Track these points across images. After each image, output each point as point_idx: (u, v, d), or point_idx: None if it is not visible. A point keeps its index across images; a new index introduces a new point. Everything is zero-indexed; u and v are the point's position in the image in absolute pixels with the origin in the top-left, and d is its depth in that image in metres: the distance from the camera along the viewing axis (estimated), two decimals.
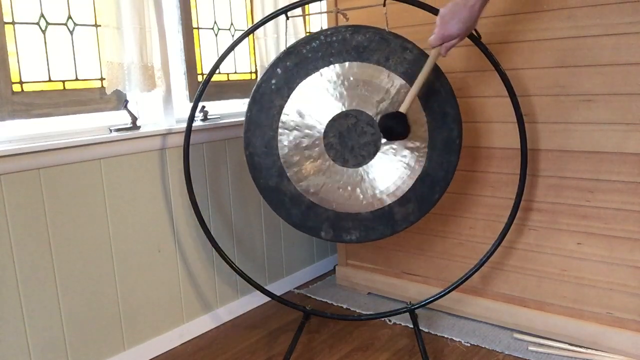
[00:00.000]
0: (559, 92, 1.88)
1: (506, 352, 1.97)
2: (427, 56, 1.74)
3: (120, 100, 1.98)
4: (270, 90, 1.79)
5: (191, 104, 1.94)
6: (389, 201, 1.81)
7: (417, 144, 1.78)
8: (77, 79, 1.88)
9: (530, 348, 1.98)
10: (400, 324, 2.23)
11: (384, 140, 1.77)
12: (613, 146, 1.80)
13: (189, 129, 1.91)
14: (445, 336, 2.11)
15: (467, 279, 1.96)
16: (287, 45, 1.81)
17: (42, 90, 1.79)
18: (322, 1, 2.01)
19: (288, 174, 1.83)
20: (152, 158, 2.02)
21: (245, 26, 2.49)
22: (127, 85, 1.91)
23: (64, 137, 1.80)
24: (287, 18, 1.88)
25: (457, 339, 2.08)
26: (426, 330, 2.16)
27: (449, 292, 2.00)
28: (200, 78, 2.30)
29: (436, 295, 2.01)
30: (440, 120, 1.76)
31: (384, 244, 2.45)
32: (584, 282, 1.93)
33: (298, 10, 2.40)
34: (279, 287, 2.57)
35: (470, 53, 2.03)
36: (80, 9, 1.86)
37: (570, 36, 1.82)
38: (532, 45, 1.90)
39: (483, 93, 2.06)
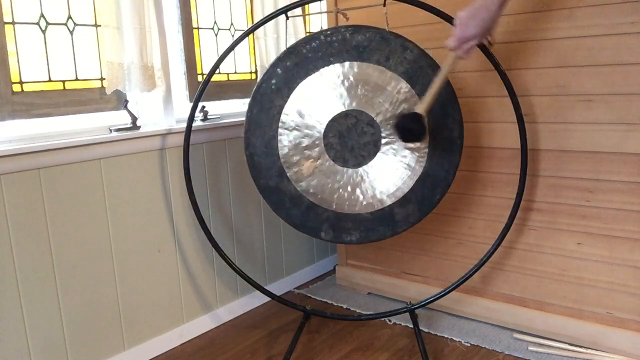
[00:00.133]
0: (559, 92, 1.88)
1: (506, 352, 1.97)
2: (427, 56, 1.74)
3: (120, 100, 1.98)
4: (271, 90, 1.79)
5: (191, 104, 1.94)
6: (389, 202, 1.81)
7: (418, 144, 1.78)
8: (77, 79, 1.88)
9: (530, 348, 1.98)
10: (400, 324, 2.23)
11: (384, 141, 1.77)
12: (613, 146, 1.80)
13: (189, 129, 1.91)
14: (445, 336, 2.11)
15: (467, 279, 1.96)
16: (287, 45, 1.81)
17: (42, 90, 1.79)
18: (322, 1, 2.01)
19: (288, 174, 1.83)
20: (152, 158, 2.02)
21: (245, 26, 2.49)
22: (127, 85, 1.91)
23: (64, 137, 1.80)
24: (287, 18, 1.88)
25: (457, 339, 2.08)
26: (426, 330, 2.16)
27: (449, 292, 2.00)
28: (200, 78, 2.30)
29: (436, 295, 2.01)
30: (440, 121, 1.76)
31: (384, 244, 2.45)
32: (584, 282, 1.93)
33: (298, 10, 2.40)
34: (279, 287, 2.57)
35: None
36: (80, 9, 1.86)
37: (570, 36, 1.82)
38: (532, 45, 1.90)
39: (483, 93, 2.06)
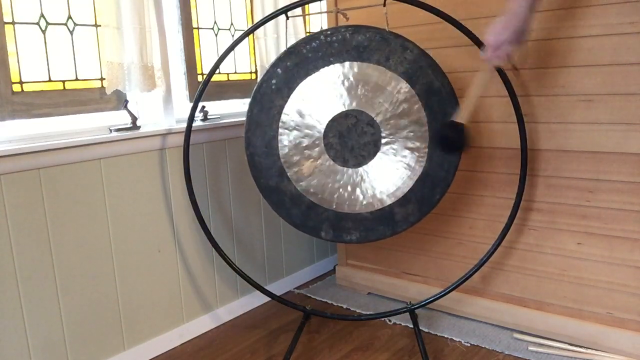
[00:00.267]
0: (559, 92, 1.88)
1: (506, 352, 1.97)
2: (427, 56, 1.74)
3: (120, 100, 1.98)
4: (271, 90, 1.79)
5: (191, 104, 1.94)
6: (389, 202, 1.81)
7: (418, 144, 1.78)
8: (77, 79, 1.88)
9: (530, 348, 1.98)
10: (400, 324, 2.23)
11: (384, 141, 1.77)
12: (613, 146, 1.80)
13: (189, 129, 1.91)
14: (445, 336, 2.11)
15: (467, 279, 1.96)
16: (287, 45, 1.81)
17: (42, 90, 1.79)
18: (322, 1, 2.02)
19: (288, 174, 1.83)
20: (152, 158, 2.02)
21: (245, 26, 2.49)
22: (127, 85, 1.91)
23: (64, 137, 1.80)
24: (287, 18, 1.88)
25: (457, 339, 2.08)
26: (426, 330, 2.16)
27: (449, 292, 2.00)
28: (200, 78, 2.30)
29: (436, 295, 2.01)
30: (440, 120, 1.75)
31: (384, 244, 2.45)
32: (584, 282, 1.93)
33: (298, 10, 2.40)
34: (279, 287, 2.57)
35: (470, 53, 2.03)
36: (80, 9, 1.86)
37: (570, 36, 1.81)
38: (532, 45, 1.90)
39: (483, 93, 2.05)
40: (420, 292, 2.32)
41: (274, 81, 1.78)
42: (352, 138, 1.79)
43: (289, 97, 1.78)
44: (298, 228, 1.88)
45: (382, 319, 2.26)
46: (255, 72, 2.54)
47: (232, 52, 1.93)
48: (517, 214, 1.90)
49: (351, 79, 1.76)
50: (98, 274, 1.89)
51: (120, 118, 1.99)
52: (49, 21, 1.78)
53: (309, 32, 2.74)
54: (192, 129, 1.94)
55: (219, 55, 1.86)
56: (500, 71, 1.76)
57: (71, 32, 1.84)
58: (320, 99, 1.78)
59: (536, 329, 2.04)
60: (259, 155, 1.83)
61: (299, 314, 2.13)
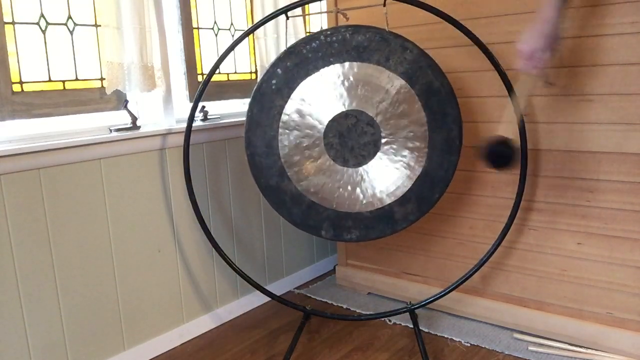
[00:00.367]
0: (559, 92, 1.88)
1: (506, 352, 1.97)
2: (426, 56, 1.74)
3: (120, 100, 1.98)
4: (271, 90, 1.79)
5: (191, 104, 1.94)
6: (388, 201, 1.81)
7: (417, 144, 1.78)
8: (77, 79, 1.88)
9: (530, 348, 1.98)
10: (400, 324, 2.23)
11: (384, 140, 1.77)
12: (613, 146, 1.80)
13: (189, 129, 1.91)
14: (445, 336, 2.11)
15: (467, 279, 1.96)
16: (287, 45, 1.81)
17: (42, 90, 1.79)
18: (322, 1, 2.01)
19: (289, 174, 1.83)
20: (152, 158, 2.02)
21: (245, 26, 2.49)
22: (127, 85, 1.91)
23: (64, 137, 1.80)
24: (287, 18, 1.88)
25: (457, 339, 2.08)
26: (426, 330, 2.16)
27: (449, 292, 2.00)
28: (200, 78, 2.30)
29: (436, 295, 2.01)
30: (440, 120, 1.76)
31: (384, 244, 2.45)
32: (584, 282, 1.93)
33: (298, 10, 2.40)
34: (279, 287, 2.57)
35: (470, 53, 2.03)
36: (80, 9, 1.86)
37: (570, 36, 1.81)
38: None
39: (483, 93, 2.06)
40: (420, 292, 2.32)
41: (274, 81, 1.78)
42: (352, 138, 1.79)
43: (289, 97, 1.78)
44: (298, 227, 1.88)
45: (382, 319, 2.26)
46: (255, 72, 2.54)
47: (232, 52, 1.93)
48: (517, 214, 1.90)
49: (351, 79, 1.76)
50: (98, 274, 1.89)
51: (120, 118, 1.99)
52: (49, 21, 1.78)
53: (309, 32, 2.74)
54: (192, 129, 1.94)
55: (219, 55, 1.86)
56: (501, 71, 1.76)
57: (71, 32, 1.84)
58: (320, 99, 1.78)
59: (536, 329, 2.04)
60: (259, 155, 1.83)
61: (299, 314, 2.13)
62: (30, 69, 1.76)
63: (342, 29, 1.75)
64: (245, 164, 1.87)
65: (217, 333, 2.25)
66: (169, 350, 2.12)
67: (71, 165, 1.78)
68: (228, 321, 2.35)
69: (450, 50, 2.08)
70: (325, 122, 1.79)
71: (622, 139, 1.78)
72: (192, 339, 2.21)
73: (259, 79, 1.82)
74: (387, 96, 1.75)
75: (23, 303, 1.70)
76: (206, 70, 2.31)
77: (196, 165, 2.17)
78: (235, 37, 2.16)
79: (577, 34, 1.80)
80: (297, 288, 2.66)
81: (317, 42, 1.75)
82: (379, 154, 1.79)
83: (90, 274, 1.87)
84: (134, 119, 1.97)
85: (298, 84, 1.78)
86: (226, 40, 2.40)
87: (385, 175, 1.80)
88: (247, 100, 1.83)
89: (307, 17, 2.72)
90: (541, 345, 1.99)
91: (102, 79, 1.94)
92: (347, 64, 1.76)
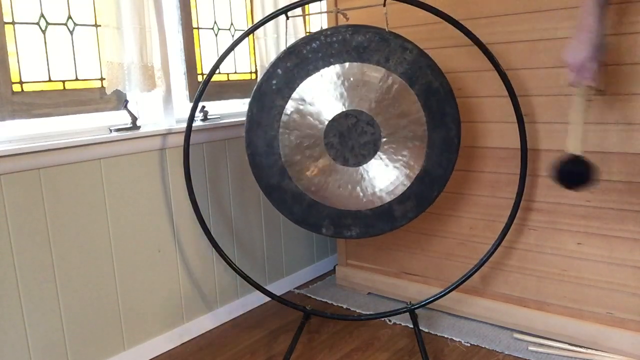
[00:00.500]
0: (559, 92, 1.88)
1: (506, 352, 1.97)
2: (426, 56, 1.74)
3: (120, 100, 1.98)
4: (271, 90, 1.79)
5: (191, 104, 1.94)
6: (388, 199, 1.81)
7: (417, 143, 1.78)
8: (77, 79, 1.88)
9: (530, 348, 1.98)
10: (400, 324, 2.23)
11: (383, 140, 1.77)
12: (613, 146, 1.80)
13: (189, 129, 1.91)
14: (445, 336, 2.11)
15: (467, 279, 1.96)
16: (287, 45, 1.81)
17: (42, 90, 1.79)
18: (322, 1, 2.01)
19: (289, 173, 1.83)
20: (152, 158, 2.02)
21: (245, 26, 2.50)
22: (127, 85, 1.91)
23: (64, 137, 1.80)
24: (287, 18, 1.88)
25: (457, 339, 2.08)
26: (426, 330, 2.16)
27: (449, 292, 2.00)
28: (200, 78, 2.30)
29: (436, 295, 2.01)
30: (439, 120, 1.76)
31: (384, 244, 2.45)
32: (584, 282, 1.93)
33: (298, 10, 2.40)
34: (279, 287, 2.57)
35: (470, 53, 2.03)
36: (80, 9, 1.86)
37: (570, 36, 1.81)
38: (532, 45, 1.90)
39: (483, 93, 2.06)
40: (420, 292, 2.32)
41: (274, 81, 1.78)
42: (352, 138, 1.79)
43: (289, 97, 1.79)
44: (299, 224, 1.89)
45: (382, 319, 2.26)
46: (255, 72, 2.54)
47: (232, 52, 1.93)
48: (517, 214, 1.89)
49: (351, 79, 1.76)
50: (98, 274, 1.89)
51: (120, 118, 1.99)
52: (49, 21, 1.78)
53: (309, 32, 2.74)
54: (192, 129, 1.95)
55: (219, 55, 1.86)
56: (501, 71, 1.76)
57: (71, 32, 1.85)
58: (320, 99, 1.78)
59: (536, 329, 2.04)
60: (260, 154, 1.83)
61: (299, 314, 2.13)
62: (30, 69, 1.76)
63: (342, 29, 1.76)
64: (245, 164, 1.87)
65: (217, 333, 2.25)
66: (169, 350, 2.12)
67: (71, 165, 1.78)
68: (228, 321, 2.35)
69: (450, 50, 2.09)
70: (326, 122, 1.79)
71: (622, 139, 1.77)
72: (192, 339, 2.21)
73: (259, 79, 1.82)
74: (387, 96, 1.75)
75: (23, 303, 1.70)
76: (206, 70, 2.31)
77: (196, 165, 2.17)
78: (235, 37, 2.16)
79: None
80: (297, 288, 2.66)
81: (317, 42, 1.75)
82: (378, 153, 1.80)
83: (90, 274, 1.87)
84: (134, 119, 1.97)
85: (298, 84, 1.78)
86: (226, 40, 2.41)
87: (385, 174, 1.80)
88: (247, 100, 1.83)
89: (307, 17, 2.72)
90: (541, 345, 1.99)
91: (102, 79, 1.94)
92: (347, 64, 1.76)
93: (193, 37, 2.26)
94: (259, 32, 2.41)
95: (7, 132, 1.71)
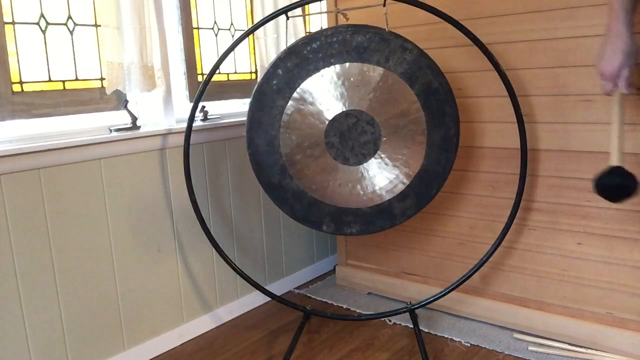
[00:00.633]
0: (558, 92, 1.88)
1: (506, 352, 1.97)
2: (426, 56, 1.74)
3: (120, 100, 1.98)
4: (272, 90, 1.79)
5: (191, 104, 1.94)
6: (388, 197, 1.82)
7: (416, 142, 1.78)
8: (77, 79, 1.88)
9: (530, 348, 1.98)
10: (400, 324, 2.23)
11: (384, 139, 1.77)
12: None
13: (189, 129, 1.91)
14: (445, 336, 2.11)
15: (467, 279, 1.96)
16: (288, 45, 1.81)
17: (42, 90, 1.79)
18: (322, 1, 2.01)
19: (290, 172, 1.83)
20: (152, 158, 2.02)
21: (245, 26, 2.50)
22: (127, 85, 1.91)
23: (64, 137, 1.80)
24: (287, 18, 1.88)
25: (457, 339, 2.08)
26: (426, 330, 2.16)
27: (449, 292, 2.00)
28: (200, 78, 2.30)
29: (436, 295, 2.01)
30: (438, 119, 1.76)
31: (384, 244, 2.45)
32: (584, 282, 1.93)
33: (298, 10, 2.40)
34: (279, 287, 2.57)
35: (471, 53, 2.03)
36: (80, 9, 1.86)
37: (570, 36, 1.82)
38: (532, 45, 1.90)
39: (483, 93, 2.06)
40: (420, 292, 2.32)
41: (274, 82, 1.78)
42: (352, 137, 1.79)
43: (290, 97, 1.79)
44: (300, 222, 1.89)
45: (382, 319, 2.26)
46: (255, 72, 2.54)
47: (232, 52, 1.93)
48: (517, 214, 1.89)
49: (351, 79, 1.76)
50: (98, 274, 1.89)
51: (120, 118, 1.99)
52: (49, 21, 1.78)
53: (309, 32, 2.74)
54: (192, 129, 1.94)
55: (219, 56, 1.86)
56: (501, 71, 1.76)
57: (71, 32, 1.85)
58: (321, 99, 1.78)
59: (536, 329, 2.04)
60: (261, 154, 1.83)
61: (299, 314, 2.13)
62: (30, 69, 1.76)
63: (342, 29, 1.75)
64: (246, 164, 1.87)
65: (217, 333, 2.25)
66: (169, 350, 2.12)
67: (71, 165, 1.78)
68: (228, 321, 2.35)
69: (450, 50, 2.09)
70: (326, 122, 1.79)
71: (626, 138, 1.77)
72: (192, 339, 2.21)
73: (259, 79, 1.82)
74: (387, 96, 1.75)
75: (23, 303, 1.70)
76: (206, 70, 2.31)
77: (196, 165, 2.17)
78: (235, 37, 2.16)
79: (577, 34, 1.80)
80: (297, 288, 2.66)
81: (317, 42, 1.75)
82: (378, 152, 1.80)
83: (90, 274, 1.87)
84: (134, 119, 1.97)
85: (299, 84, 1.78)
86: (226, 40, 2.41)
87: (385, 173, 1.81)
88: (247, 100, 1.83)
89: (307, 17, 2.72)
90: (541, 345, 1.99)
91: (102, 79, 1.94)
92: (347, 64, 1.76)
93: (193, 37, 2.26)
94: (259, 32, 2.41)
95: (7, 132, 1.71)
